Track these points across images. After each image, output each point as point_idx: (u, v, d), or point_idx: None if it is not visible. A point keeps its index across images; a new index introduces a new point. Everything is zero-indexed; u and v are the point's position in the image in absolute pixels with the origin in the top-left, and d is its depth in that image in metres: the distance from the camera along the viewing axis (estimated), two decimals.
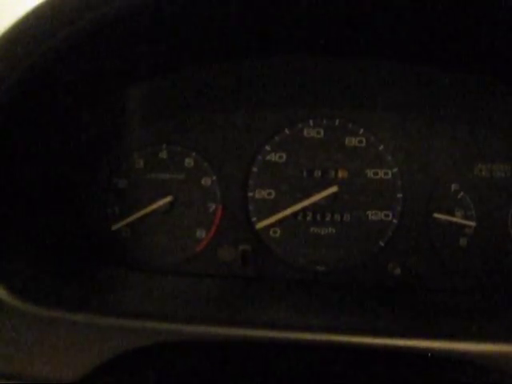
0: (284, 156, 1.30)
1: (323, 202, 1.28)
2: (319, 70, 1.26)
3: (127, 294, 1.16)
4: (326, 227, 1.29)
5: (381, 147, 1.28)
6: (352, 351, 0.88)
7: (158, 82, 1.27)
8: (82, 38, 0.86)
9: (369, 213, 1.29)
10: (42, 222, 1.15)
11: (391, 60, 1.22)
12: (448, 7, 0.88)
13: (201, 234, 1.33)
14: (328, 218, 1.29)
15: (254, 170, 1.31)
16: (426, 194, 1.27)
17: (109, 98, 1.26)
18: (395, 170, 1.27)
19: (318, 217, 1.29)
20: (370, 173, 1.28)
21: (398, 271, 1.26)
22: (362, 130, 1.28)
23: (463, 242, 1.27)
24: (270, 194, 1.31)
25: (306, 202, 1.28)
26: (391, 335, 0.87)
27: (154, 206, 1.32)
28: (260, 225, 1.30)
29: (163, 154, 1.33)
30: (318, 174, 1.29)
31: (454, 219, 1.26)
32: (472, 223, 1.26)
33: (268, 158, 1.30)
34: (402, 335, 0.86)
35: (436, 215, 1.27)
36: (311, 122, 1.29)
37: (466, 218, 1.27)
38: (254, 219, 1.31)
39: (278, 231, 1.31)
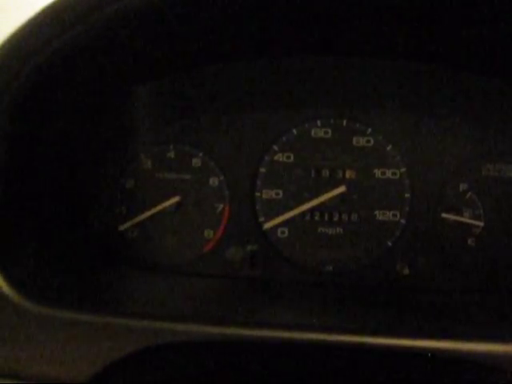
0: (292, 156, 1.30)
1: (331, 202, 1.28)
2: (327, 70, 1.26)
3: (135, 294, 1.16)
4: (334, 227, 1.29)
5: (389, 147, 1.28)
6: (360, 352, 0.88)
7: (165, 82, 1.28)
8: (90, 37, 0.86)
9: (377, 213, 1.28)
10: (50, 223, 1.15)
11: (399, 59, 1.22)
12: (457, 5, 0.88)
13: (208, 234, 1.32)
14: (336, 218, 1.29)
15: (262, 170, 1.30)
16: (434, 193, 1.27)
17: (116, 98, 1.26)
18: (403, 169, 1.27)
19: (326, 217, 1.29)
20: (377, 173, 1.28)
21: (406, 271, 1.26)
22: (369, 130, 1.28)
23: (471, 242, 1.27)
24: (277, 194, 1.30)
25: (313, 202, 1.28)
26: (399, 335, 0.86)
27: (162, 206, 1.32)
28: (268, 225, 1.30)
29: (171, 154, 1.32)
30: (325, 174, 1.29)
31: (462, 219, 1.26)
32: (480, 223, 1.26)
33: (276, 158, 1.30)
34: (411, 335, 0.86)
35: (444, 215, 1.26)
36: (319, 122, 1.29)
37: (474, 217, 1.26)
38: (261, 219, 1.31)
39: (286, 231, 1.31)
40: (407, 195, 1.27)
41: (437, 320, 1.03)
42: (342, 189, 1.28)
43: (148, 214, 1.32)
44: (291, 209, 1.29)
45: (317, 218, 1.29)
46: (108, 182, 1.33)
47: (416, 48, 1.15)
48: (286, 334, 0.88)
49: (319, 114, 1.29)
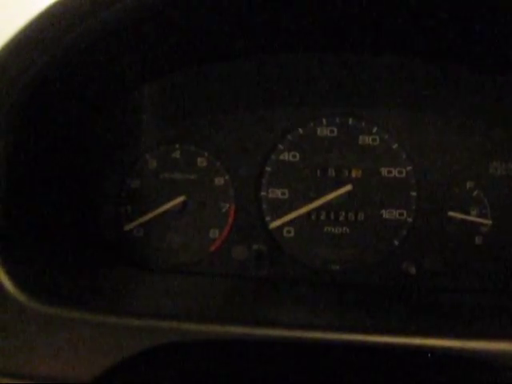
0: (297, 155, 1.30)
1: (337, 201, 1.28)
2: (332, 69, 1.26)
3: (140, 294, 1.16)
4: (340, 226, 1.29)
5: (395, 145, 1.27)
6: (367, 350, 0.87)
7: (170, 81, 1.28)
8: (94, 37, 0.86)
9: (383, 211, 1.28)
10: (55, 222, 1.15)
11: (405, 57, 1.21)
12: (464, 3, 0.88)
13: (214, 233, 1.32)
14: (342, 217, 1.28)
15: (268, 169, 1.30)
16: (441, 192, 1.26)
17: (121, 97, 1.27)
18: (409, 168, 1.27)
19: (332, 216, 1.29)
20: (384, 171, 1.28)
21: (412, 270, 1.25)
22: (375, 129, 1.28)
23: (478, 240, 1.26)
24: (283, 193, 1.30)
25: (319, 202, 1.27)
26: (406, 334, 0.86)
27: (167, 206, 1.32)
28: (274, 224, 1.30)
29: (176, 154, 1.32)
30: (331, 172, 1.28)
31: (469, 218, 1.26)
32: (487, 221, 1.25)
33: (281, 157, 1.30)
34: (418, 334, 0.86)
35: (451, 214, 1.26)
36: (324, 120, 1.29)
37: (481, 216, 1.26)
38: (267, 219, 1.30)
39: (292, 231, 1.30)
40: (414, 194, 1.27)
41: (444, 319, 1.03)
42: (348, 188, 1.27)
43: (153, 213, 1.32)
44: (297, 208, 1.28)
45: (323, 217, 1.29)
46: (113, 182, 1.34)
47: (423, 46, 1.15)
48: (292, 334, 0.88)
49: (325, 112, 1.29)
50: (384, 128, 1.27)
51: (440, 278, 1.26)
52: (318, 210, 1.29)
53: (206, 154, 1.32)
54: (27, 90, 0.87)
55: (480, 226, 1.26)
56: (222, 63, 1.24)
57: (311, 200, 1.28)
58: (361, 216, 1.28)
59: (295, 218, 1.29)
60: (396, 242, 1.27)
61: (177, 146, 1.32)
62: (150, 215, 1.32)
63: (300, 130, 1.29)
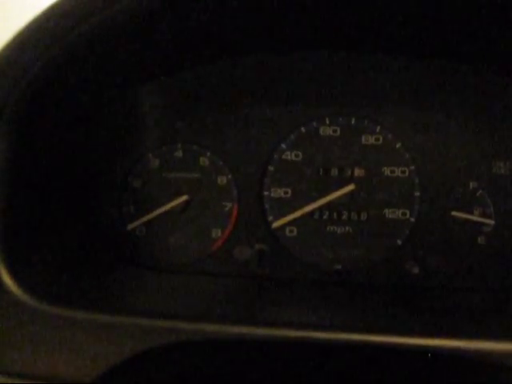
0: (300, 154, 1.29)
1: (340, 200, 1.27)
2: (335, 68, 1.26)
3: (142, 294, 1.16)
4: (343, 226, 1.29)
5: (398, 145, 1.27)
6: (369, 350, 0.87)
7: (172, 80, 1.28)
8: (96, 36, 0.86)
9: (386, 211, 1.28)
10: (58, 222, 1.15)
11: (408, 57, 1.21)
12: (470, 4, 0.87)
13: (216, 233, 1.32)
14: (345, 217, 1.28)
15: (270, 168, 1.30)
16: (444, 191, 1.26)
17: (123, 97, 1.27)
18: (412, 167, 1.26)
19: (335, 215, 1.29)
20: (387, 171, 1.27)
21: (415, 270, 1.25)
22: (378, 128, 1.27)
23: (481, 240, 1.26)
24: (286, 192, 1.30)
25: (322, 201, 1.27)
26: (409, 334, 0.86)
27: (170, 206, 1.31)
28: (276, 224, 1.30)
29: (178, 154, 1.32)
30: (334, 172, 1.28)
31: (473, 217, 1.25)
32: (490, 221, 1.25)
33: (284, 156, 1.30)
34: (420, 334, 0.86)
35: (454, 213, 1.26)
36: (327, 120, 1.29)
37: (484, 216, 1.25)
38: (270, 218, 1.30)
39: (295, 230, 1.30)
40: (417, 193, 1.27)
41: (447, 319, 1.03)
42: (350, 187, 1.27)
43: (156, 213, 1.32)
44: (300, 207, 1.28)
45: (325, 216, 1.29)
46: (116, 182, 1.33)
47: (426, 45, 1.15)
48: (294, 333, 0.88)
49: (328, 112, 1.29)
50: (387, 127, 1.27)
51: (443, 278, 1.26)
52: (320, 209, 1.29)
53: (208, 153, 1.32)
54: (29, 90, 0.87)
55: (483, 225, 1.26)
56: (224, 62, 1.24)
57: (314, 199, 1.28)
58: (364, 215, 1.28)
59: (298, 218, 1.29)
60: (399, 242, 1.27)
61: (179, 145, 1.32)
62: (152, 214, 1.32)
63: (303, 130, 1.29)
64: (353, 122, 1.28)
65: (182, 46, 1.13)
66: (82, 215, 1.28)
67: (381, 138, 1.28)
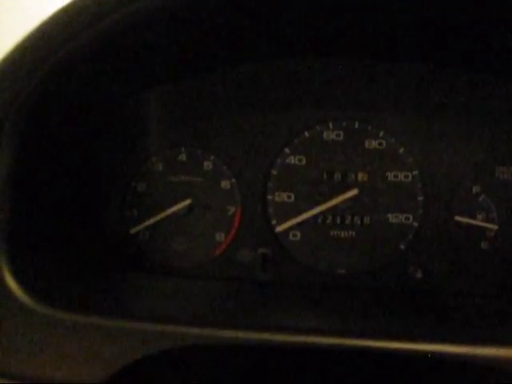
0: (303, 159, 1.30)
1: (343, 205, 1.28)
2: (338, 73, 1.26)
3: (145, 297, 1.16)
4: (346, 230, 1.29)
5: (401, 150, 1.27)
6: (372, 355, 0.87)
7: (177, 85, 1.28)
8: (103, 41, 0.86)
9: (389, 216, 1.28)
10: (62, 225, 1.15)
11: (412, 62, 1.21)
12: (468, 7, 0.88)
13: (220, 237, 1.32)
14: (348, 221, 1.28)
15: (274, 172, 1.30)
16: (447, 196, 1.26)
17: (128, 101, 1.27)
18: (415, 172, 1.27)
19: (338, 220, 1.29)
20: (390, 175, 1.28)
21: (419, 274, 1.25)
22: (381, 133, 1.28)
23: (485, 245, 1.26)
24: (289, 197, 1.30)
25: (325, 205, 1.27)
26: (412, 339, 0.86)
27: (173, 209, 1.32)
28: (279, 228, 1.30)
29: (182, 157, 1.33)
30: (337, 176, 1.28)
31: (476, 222, 1.25)
32: (494, 226, 1.25)
33: (287, 160, 1.30)
34: (424, 339, 0.85)
35: (457, 218, 1.26)
36: (331, 124, 1.29)
37: (487, 220, 1.25)
38: (273, 222, 1.30)
39: (298, 234, 1.30)
40: (420, 198, 1.27)
41: (450, 324, 1.02)
42: (354, 192, 1.27)
43: (159, 216, 1.32)
44: (303, 212, 1.28)
45: (329, 221, 1.29)
46: (120, 185, 1.34)
47: (428, 50, 1.15)
48: (297, 338, 0.88)
49: (331, 116, 1.29)
50: (390, 132, 1.27)
51: (446, 282, 1.26)
52: (324, 213, 1.29)
53: (212, 157, 1.32)
54: (34, 93, 0.87)
55: (486, 230, 1.26)
56: (227, 67, 1.24)
57: (317, 204, 1.28)
58: (367, 220, 1.28)
59: (301, 222, 1.29)
60: (402, 246, 1.27)
61: (183, 149, 1.33)
62: (155, 218, 1.32)
63: (306, 134, 1.29)
64: (356, 126, 1.28)
65: (187, 53, 1.13)
66: (86, 219, 1.28)
67: (384, 143, 1.28)
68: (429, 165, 1.27)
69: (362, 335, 0.87)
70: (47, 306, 0.89)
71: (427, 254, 1.26)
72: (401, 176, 1.27)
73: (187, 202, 1.32)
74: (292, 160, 1.30)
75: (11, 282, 0.89)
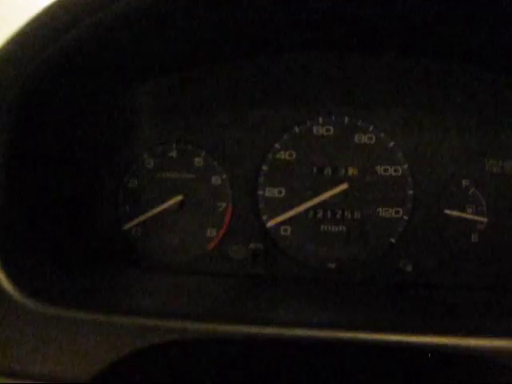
0: (294, 154, 1.30)
1: (333, 199, 1.28)
2: (328, 68, 1.27)
3: (138, 293, 1.16)
4: (337, 225, 1.29)
5: (391, 144, 1.28)
6: (364, 348, 0.88)
7: (167, 81, 1.28)
8: (93, 36, 0.86)
9: (379, 210, 1.28)
10: (54, 222, 1.16)
11: (401, 56, 1.21)
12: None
13: (211, 232, 1.33)
14: (338, 216, 1.29)
15: (264, 168, 1.30)
16: (437, 190, 1.27)
17: (118, 97, 1.27)
18: (405, 166, 1.27)
19: (329, 214, 1.29)
20: (380, 170, 1.28)
21: (409, 268, 1.26)
22: (371, 127, 1.28)
23: (475, 237, 1.26)
24: (280, 192, 1.30)
25: (316, 200, 1.28)
26: (403, 332, 0.86)
27: (165, 206, 1.32)
28: (270, 223, 1.30)
29: (173, 154, 1.33)
30: (328, 171, 1.29)
31: (466, 215, 1.26)
32: (484, 219, 1.25)
33: (278, 156, 1.30)
34: (414, 332, 0.86)
35: (447, 211, 1.26)
36: (321, 119, 1.29)
37: (477, 213, 1.26)
38: (264, 217, 1.31)
39: (289, 229, 1.31)
40: (410, 192, 1.27)
41: (440, 317, 1.03)
42: (344, 186, 1.27)
43: (151, 213, 1.32)
44: (294, 207, 1.29)
45: (319, 215, 1.29)
46: (111, 182, 1.34)
47: (418, 44, 1.15)
48: (288, 332, 0.88)
49: (321, 111, 1.29)
50: (380, 127, 1.28)
51: (436, 276, 1.26)
52: (314, 208, 1.29)
53: (202, 153, 1.32)
54: (25, 88, 0.87)
55: (476, 223, 1.26)
56: (218, 63, 1.24)
57: (308, 198, 1.28)
58: (357, 214, 1.29)
59: (292, 217, 1.29)
60: (392, 240, 1.28)
61: (174, 145, 1.33)
62: (147, 214, 1.33)
63: (296, 129, 1.30)
64: (346, 121, 1.29)
65: (176, 48, 1.13)
66: (78, 216, 1.29)
67: (374, 137, 1.28)
68: (418, 159, 1.27)
69: (352, 328, 0.87)
70: (40, 302, 0.90)
71: (417, 247, 1.27)
72: (391, 170, 1.28)
73: (179, 198, 1.32)
74: (282, 155, 1.30)
75: (3, 279, 0.89)
